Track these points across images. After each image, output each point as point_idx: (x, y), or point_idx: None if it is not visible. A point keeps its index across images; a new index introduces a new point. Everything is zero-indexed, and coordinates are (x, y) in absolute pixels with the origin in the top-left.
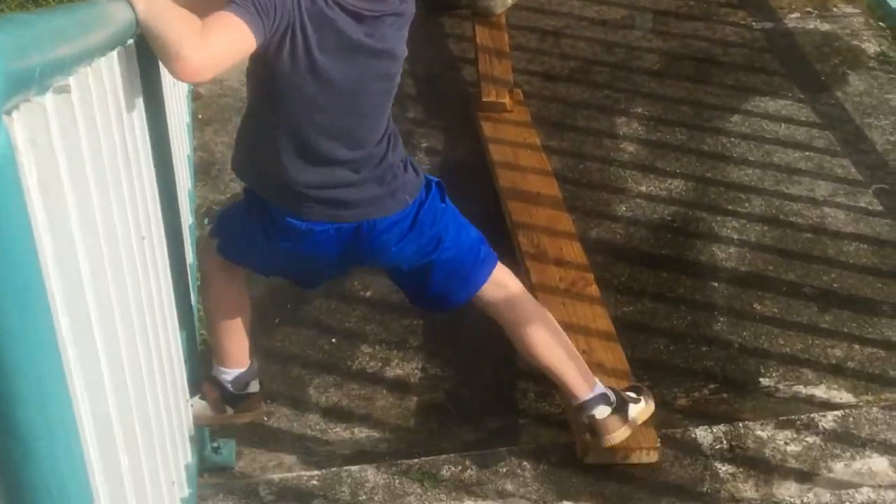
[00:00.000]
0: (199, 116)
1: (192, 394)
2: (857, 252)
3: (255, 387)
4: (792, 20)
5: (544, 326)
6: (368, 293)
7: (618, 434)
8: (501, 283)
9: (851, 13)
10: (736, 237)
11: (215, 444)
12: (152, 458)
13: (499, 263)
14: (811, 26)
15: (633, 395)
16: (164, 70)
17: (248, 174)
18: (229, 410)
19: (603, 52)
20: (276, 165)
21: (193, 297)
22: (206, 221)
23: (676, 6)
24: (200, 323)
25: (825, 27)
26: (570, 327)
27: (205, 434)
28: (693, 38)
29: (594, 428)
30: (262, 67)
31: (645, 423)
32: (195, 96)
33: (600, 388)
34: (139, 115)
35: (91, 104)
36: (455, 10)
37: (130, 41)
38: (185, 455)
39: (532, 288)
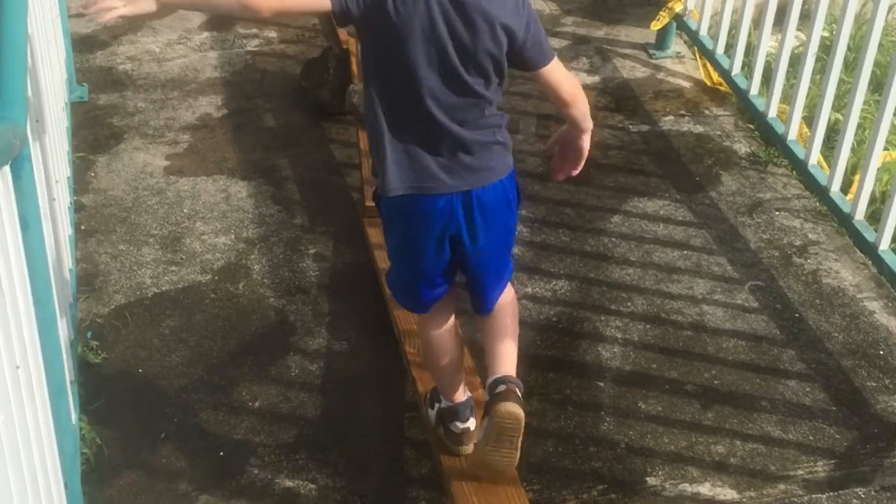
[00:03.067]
0: (82, 227)
1: None
2: (736, 348)
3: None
4: (667, 123)
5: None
6: (257, 404)
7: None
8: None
9: (722, 115)
10: (619, 336)
11: None
12: None
13: None
14: (685, 129)
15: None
16: (44, 186)
17: (402, 173)
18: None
19: None
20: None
21: (74, 417)
22: (88, 335)
23: (557, 110)
24: (83, 442)
25: (698, 129)
26: None
27: None
28: None
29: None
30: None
31: None
32: (78, 207)
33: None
34: (14, 246)
35: None
36: (340, 115)
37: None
38: None
39: (420, 395)
